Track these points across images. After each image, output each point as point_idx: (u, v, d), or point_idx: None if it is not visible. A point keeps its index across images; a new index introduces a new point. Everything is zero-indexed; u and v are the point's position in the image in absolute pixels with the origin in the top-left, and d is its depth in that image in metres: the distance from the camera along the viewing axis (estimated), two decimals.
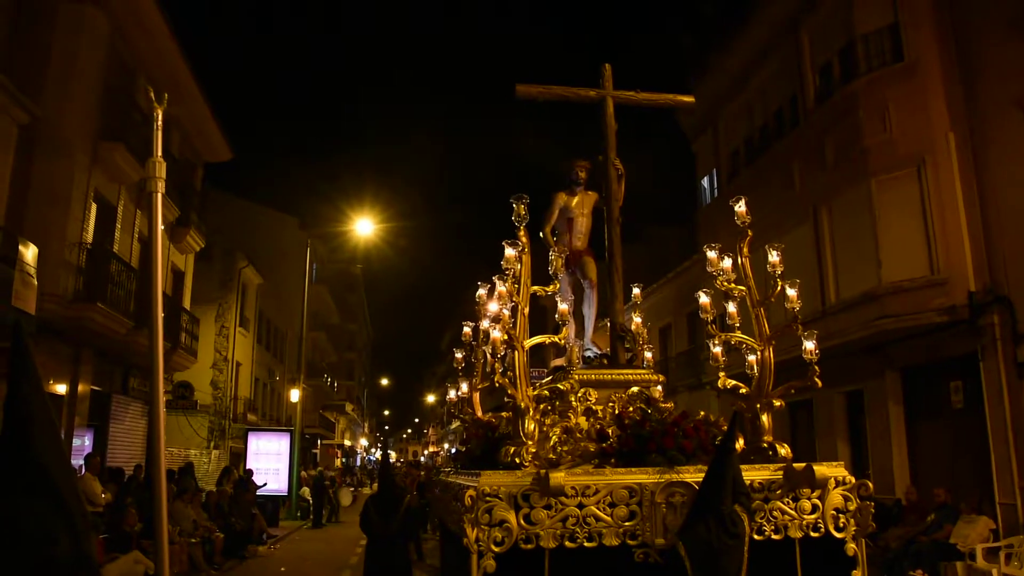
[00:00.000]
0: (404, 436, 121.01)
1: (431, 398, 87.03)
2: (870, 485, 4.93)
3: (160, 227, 4.15)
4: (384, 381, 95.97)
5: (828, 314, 15.92)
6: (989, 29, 13.67)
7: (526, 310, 5.04)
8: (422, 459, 67.68)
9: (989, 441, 13.16)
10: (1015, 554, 11.07)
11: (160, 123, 4.25)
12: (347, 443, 65.65)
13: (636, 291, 6.98)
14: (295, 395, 27.79)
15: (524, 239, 5.08)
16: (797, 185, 17.50)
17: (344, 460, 61.28)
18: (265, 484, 22.60)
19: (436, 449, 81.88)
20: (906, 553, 12.04)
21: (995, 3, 13.56)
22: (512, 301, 4.97)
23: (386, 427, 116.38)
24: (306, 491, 27.09)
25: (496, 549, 4.27)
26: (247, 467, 23.51)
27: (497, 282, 5.00)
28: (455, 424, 8.36)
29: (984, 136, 13.73)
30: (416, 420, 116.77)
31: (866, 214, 14.93)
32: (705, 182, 23.38)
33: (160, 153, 4.23)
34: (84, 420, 15.63)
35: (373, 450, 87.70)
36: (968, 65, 14.10)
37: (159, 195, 4.19)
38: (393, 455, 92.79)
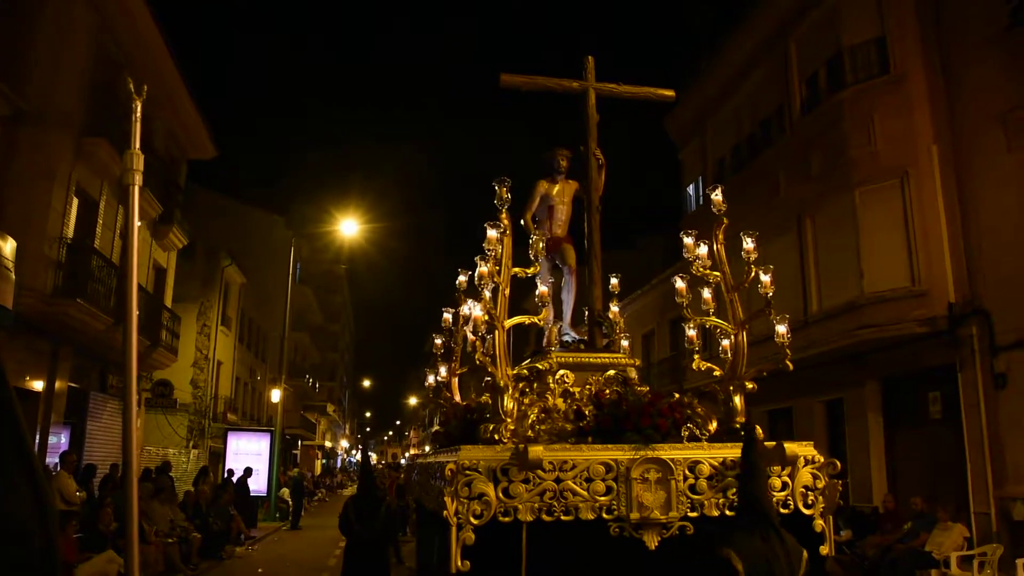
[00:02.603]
0: (385, 438, 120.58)
1: (413, 400, 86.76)
2: (837, 464, 5.03)
3: (137, 222, 4.12)
4: (366, 383, 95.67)
5: (810, 323, 16.03)
6: (972, 45, 13.81)
7: (507, 291, 5.14)
8: (402, 461, 67.49)
9: (965, 451, 13.30)
10: (987, 562, 11.20)
11: (139, 115, 4.22)
12: (328, 444, 65.39)
13: (614, 280, 7.13)
14: (276, 395, 27.67)
15: (506, 221, 5.16)
16: (782, 194, 17.61)
17: (324, 461, 61.02)
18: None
19: (417, 451, 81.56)
20: (882, 561, 12.14)
21: (978, 20, 13.70)
22: (493, 282, 5.04)
23: (367, 429, 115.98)
24: (285, 492, 26.96)
25: (475, 522, 4.39)
26: (228, 467, 23.41)
27: (479, 263, 5.06)
28: (436, 427, 8.44)
29: (966, 150, 13.86)
30: (398, 422, 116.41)
31: (849, 224, 15.04)
32: (691, 190, 23.49)
33: (138, 145, 4.19)
34: (60, 417, 15.47)
35: (354, 451, 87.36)
36: (952, 79, 14.23)
37: (136, 188, 4.16)
38: (374, 457, 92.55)
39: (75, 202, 15.36)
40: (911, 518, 12.73)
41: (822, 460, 5.08)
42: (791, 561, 4.02)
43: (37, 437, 14.40)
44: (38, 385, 14.51)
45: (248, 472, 22.61)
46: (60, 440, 15.64)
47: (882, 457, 15.41)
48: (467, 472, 4.45)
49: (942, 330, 13.66)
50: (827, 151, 15.87)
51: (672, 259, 23.77)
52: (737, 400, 5.46)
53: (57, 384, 15.07)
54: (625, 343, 6.88)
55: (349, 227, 26.71)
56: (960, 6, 14.22)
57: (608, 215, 6.77)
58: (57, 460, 13.85)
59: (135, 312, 4.02)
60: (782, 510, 4.85)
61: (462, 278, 6.63)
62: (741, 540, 3.99)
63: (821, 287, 16.28)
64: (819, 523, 4.95)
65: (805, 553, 4.17)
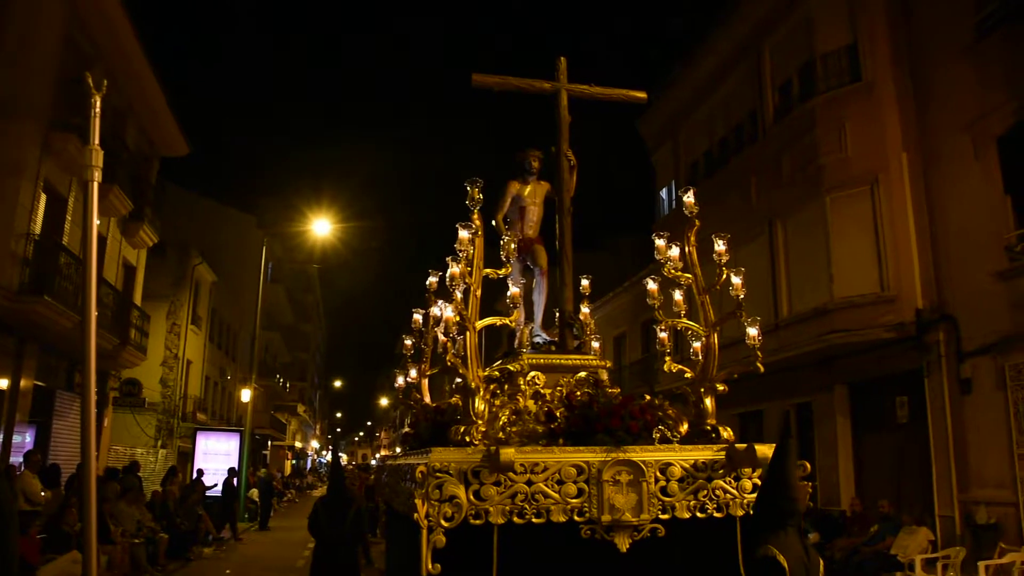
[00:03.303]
0: (356, 439, 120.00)
1: (384, 401, 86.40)
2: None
3: (96, 219, 4.08)
4: (337, 383, 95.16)
5: (780, 327, 16.17)
6: (941, 55, 14.01)
7: (478, 292, 5.14)
8: (372, 462, 67.16)
9: (931, 455, 13.48)
10: (951, 565, 11.38)
11: (98, 111, 4.17)
12: (298, 445, 64.97)
13: (585, 282, 7.14)
14: (246, 395, 27.42)
15: (478, 222, 5.16)
16: (754, 199, 17.75)
17: (295, 462, 60.62)
18: (216, 486, 22.35)
19: (388, 452, 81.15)
20: (849, 563, 12.27)
21: (947, 30, 13.90)
22: (464, 283, 5.03)
23: (338, 429, 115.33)
24: (254, 492, 26.75)
25: (446, 524, 4.38)
26: (197, 467, 23.19)
27: (451, 264, 5.05)
28: (407, 429, 8.42)
29: (934, 158, 14.06)
30: (368, 423, 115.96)
31: (820, 230, 15.20)
32: (664, 193, 23.62)
33: (97, 141, 4.15)
34: (26, 416, 15.24)
35: (324, 452, 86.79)
36: (921, 88, 14.44)
37: (95, 184, 4.11)
38: (344, 458, 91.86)
39: (43, 198, 15.14)
40: (877, 521, 12.90)
41: None
42: (816, 565, 3.97)
43: (1, 436, 14.17)
44: (2, 383, 14.27)
45: (233, 472, 22.45)
46: (25, 439, 15.40)
47: (850, 460, 15.59)
48: (438, 474, 4.43)
49: (910, 335, 13.84)
50: (799, 157, 16.02)
51: (645, 261, 23.89)
52: (708, 402, 5.49)
53: (23, 382, 14.84)
54: (596, 345, 6.88)
55: (322, 226, 26.56)
56: (929, 16, 14.43)
57: (581, 217, 6.78)
58: (21, 459, 13.62)
59: (94, 313, 3.97)
60: (752, 512, 4.87)
61: (432, 279, 6.61)
62: (780, 539, 3.90)
63: (792, 292, 16.43)
64: None
65: (822, 562, 4.14)
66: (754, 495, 4.89)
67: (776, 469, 4.15)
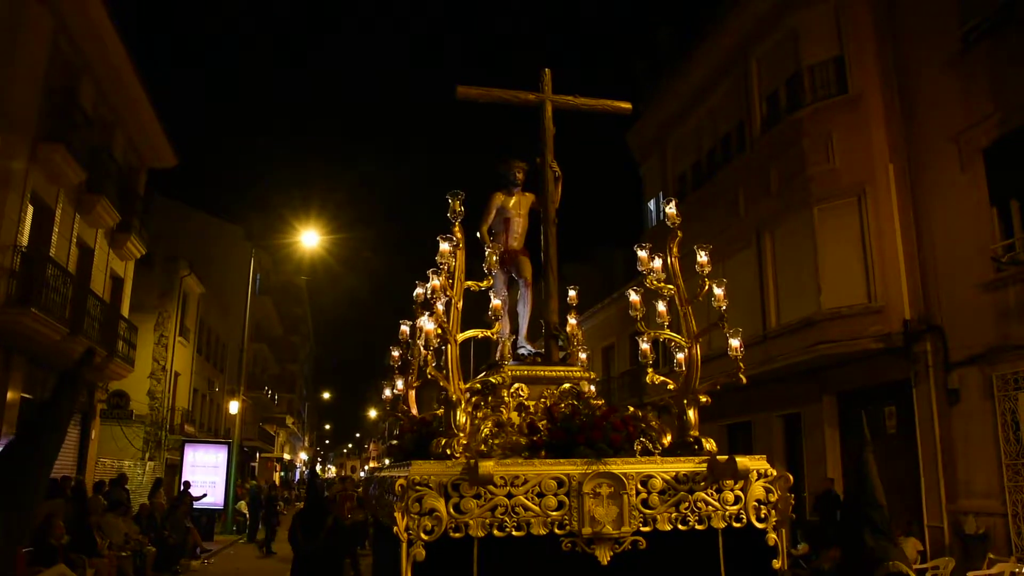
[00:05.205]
0: (345, 451, 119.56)
1: (373, 413, 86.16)
2: (790, 478, 5.04)
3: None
4: (326, 395, 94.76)
5: (769, 338, 16.20)
6: (928, 67, 14.11)
7: (459, 304, 5.12)
8: (362, 474, 66.76)
9: (919, 465, 13.51)
10: (940, 575, 11.37)
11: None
12: (287, 457, 64.63)
13: (572, 293, 7.09)
14: (234, 407, 27.28)
15: (459, 234, 5.16)
16: (742, 210, 17.81)
17: (283, 474, 60.29)
18: (205, 495, 22.30)
19: (376, 465, 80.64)
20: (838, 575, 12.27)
21: (934, 42, 14.01)
22: (446, 295, 5.02)
23: (327, 441, 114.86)
24: (243, 505, 26.62)
25: (426, 537, 4.35)
26: (184, 479, 23.11)
27: (432, 276, 5.04)
28: (396, 442, 8.39)
29: (921, 169, 14.14)
30: (357, 435, 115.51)
31: (808, 241, 15.25)
32: (652, 205, 23.67)
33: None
34: (12, 428, 15.10)
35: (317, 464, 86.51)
36: (908, 100, 14.53)
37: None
38: (333, 470, 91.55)
39: (30, 209, 15.07)
40: None
41: (774, 473, 5.10)
42: None
43: None
44: None
45: (273, 488, 22.56)
46: None
47: (839, 471, 15.58)
48: (418, 487, 4.41)
49: (897, 346, 13.89)
50: (786, 168, 16.09)
51: (634, 273, 23.92)
52: (691, 413, 5.46)
53: (9, 394, 14.73)
54: (583, 356, 6.84)
55: (310, 238, 26.51)
56: (916, 28, 14.53)
57: (572, 229, 6.78)
58: None
59: None
60: (735, 524, 4.86)
61: (419, 291, 6.59)
62: (893, 551, 3.82)
63: (780, 302, 16.47)
64: (772, 537, 4.96)
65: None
66: (736, 507, 4.88)
67: (865, 479, 4.07)
